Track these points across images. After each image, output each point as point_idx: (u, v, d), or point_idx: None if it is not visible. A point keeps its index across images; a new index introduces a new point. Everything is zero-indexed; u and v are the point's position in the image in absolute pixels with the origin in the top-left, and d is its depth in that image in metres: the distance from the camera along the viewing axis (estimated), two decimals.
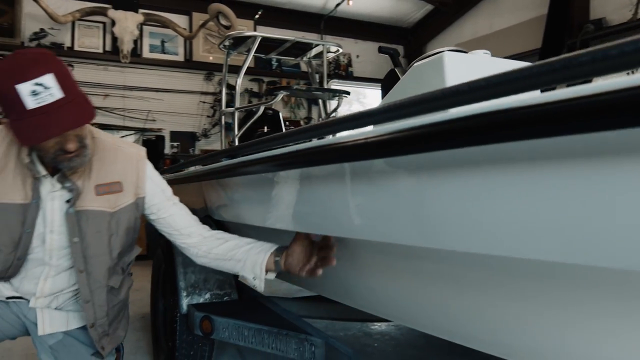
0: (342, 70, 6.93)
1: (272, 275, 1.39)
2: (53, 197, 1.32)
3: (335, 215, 1.05)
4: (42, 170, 1.29)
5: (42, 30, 5.33)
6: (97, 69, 5.63)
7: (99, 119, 5.46)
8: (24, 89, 1.06)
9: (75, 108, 1.13)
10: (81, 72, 5.45)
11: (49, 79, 1.08)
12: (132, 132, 5.67)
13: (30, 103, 1.07)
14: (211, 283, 1.99)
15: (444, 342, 1.12)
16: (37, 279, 1.37)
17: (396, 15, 7.00)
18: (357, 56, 7.08)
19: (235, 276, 2.15)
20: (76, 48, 5.54)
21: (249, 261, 1.37)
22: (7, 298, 1.40)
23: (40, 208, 1.31)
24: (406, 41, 7.30)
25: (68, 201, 1.31)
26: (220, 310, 1.82)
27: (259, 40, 3.17)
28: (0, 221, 1.27)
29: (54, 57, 1.15)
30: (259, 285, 1.37)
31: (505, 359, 0.97)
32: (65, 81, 1.12)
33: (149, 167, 1.46)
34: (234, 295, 2.01)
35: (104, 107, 5.52)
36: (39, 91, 1.07)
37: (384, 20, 7.08)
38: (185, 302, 1.92)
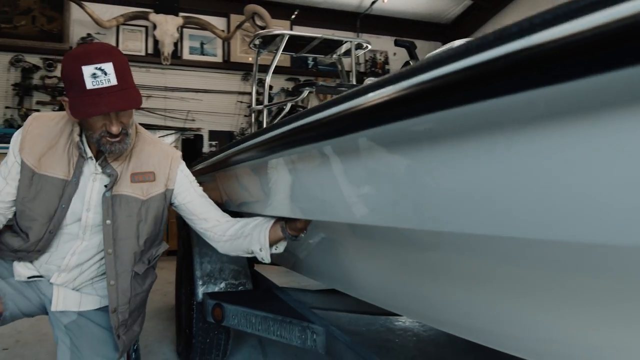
0: (379, 68, 6.91)
1: (282, 246, 1.44)
2: (94, 178, 1.43)
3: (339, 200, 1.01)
4: (89, 152, 1.41)
5: (88, 35, 5.60)
6: (140, 71, 5.86)
7: (142, 119, 5.69)
8: (87, 70, 1.21)
9: (125, 95, 1.26)
10: None
11: (108, 67, 1.23)
12: (173, 131, 5.87)
13: (89, 84, 1.22)
14: (226, 273, 2.05)
15: (465, 340, 1.05)
16: (66, 253, 1.47)
17: (434, 12, 6.91)
18: (394, 54, 7.03)
19: (251, 266, 2.21)
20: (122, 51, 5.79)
21: (256, 233, 1.44)
22: (28, 278, 1.50)
23: (78, 187, 1.42)
24: (444, 37, 7.18)
25: (106, 185, 1.42)
26: (232, 298, 1.87)
27: (287, 38, 3.21)
28: (41, 192, 1.39)
29: (118, 51, 1.30)
30: (265, 256, 1.43)
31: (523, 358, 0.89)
32: (122, 71, 1.25)
33: (182, 165, 1.59)
34: (248, 285, 2.06)
35: (146, 108, 5.74)
36: (99, 75, 1.22)
37: (421, 17, 7.00)
38: (200, 291, 1.98)
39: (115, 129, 1.31)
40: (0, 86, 5.30)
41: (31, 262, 1.49)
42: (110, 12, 5.61)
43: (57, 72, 5.37)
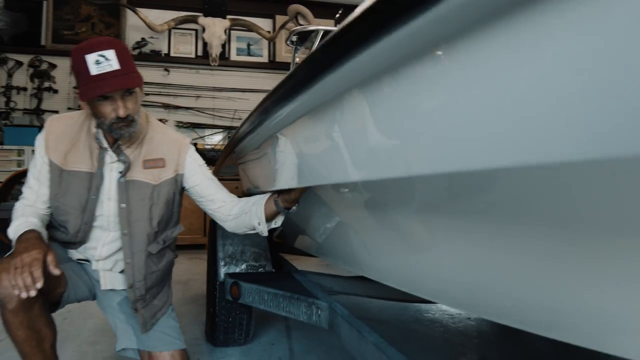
0: None
1: (280, 220, 1.52)
2: (112, 168, 1.56)
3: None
4: (104, 142, 1.54)
5: (142, 39, 5.91)
6: (190, 72, 6.11)
7: (192, 118, 5.94)
8: (90, 58, 1.34)
9: (126, 77, 1.38)
10: (176, 76, 5.97)
11: (110, 53, 1.35)
12: (220, 130, 6.08)
13: (94, 70, 1.35)
14: (247, 255, 2.13)
15: (493, 330, 0.91)
16: (97, 243, 1.61)
17: None
18: None
19: (272, 249, 2.28)
20: (172, 54, 6.07)
21: (254, 209, 1.54)
22: (78, 260, 1.66)
23: (103, 178, 1.55)
24: None
25: (121, 172, 1.55)
26: (249, 278, 1.95)
27: (322, 33, 3.28)
28: (71, 186, 1.54)
29: (118, 41, 1.43)
30: (263, 229, 1.54)
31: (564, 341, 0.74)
32: (123, 58, 1.38)
33: (191, 150, 1.69)
34: (268, 267, 2.14)
35: (195, 108, 5.98)
36: (101, 61, 1.35)
37: None
38: (222, 271, 2.08)
39: (122, 112, 1.42)
40: (63, 89, 5.70)
41: (77, 250, 1.65)
42: (162, 17, 5.90)
43: None
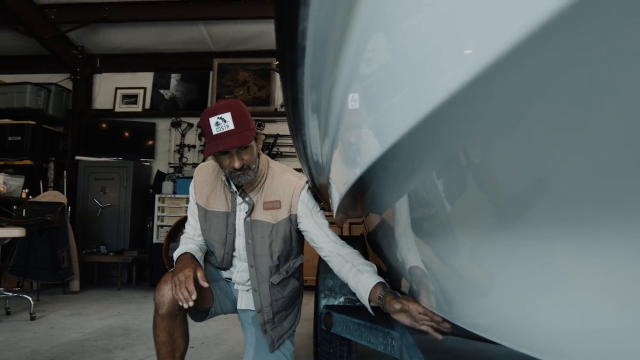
0: None
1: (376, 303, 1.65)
2: (240, 209, 1.87)
3: None
4: (233, 187, 1.85)
5: None
6: None
7: None
8: (212, 121, 1.61)
9: (239, 136, 1.63)
10: None
11: (227, 116, 1.61)
12: None
13: (214, 130, 1.61)
14: (346, 289, 2.24)
15: None
16: (235, 269, 1.94)
17: None
18: None
19: None
20: None
21: (358, 290, 1.69)
22: (226, 278, 2.00)
23: (236, 216, 1.87)
24: None
25: (247, 212, 1.84)
26: (340, 309, 2.06)
27: None
28: (212, 223, 1.89)
29: (239, 103, 1.69)
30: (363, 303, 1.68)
31: None
32: (238, 119, 1.62)
33: (304, 192, 1.87)
34: None
35: None
36: (220, 123, 1.61)
37: None
38: (322, 303, 2.22)
39: (237, 164, 1.67)
40: None
41: (224, 271, 1.98)
42: None
43: (266, 131, 6.39)
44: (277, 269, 1.87)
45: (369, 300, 1.64)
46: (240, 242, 1.87)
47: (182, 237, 1.95)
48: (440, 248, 1.00)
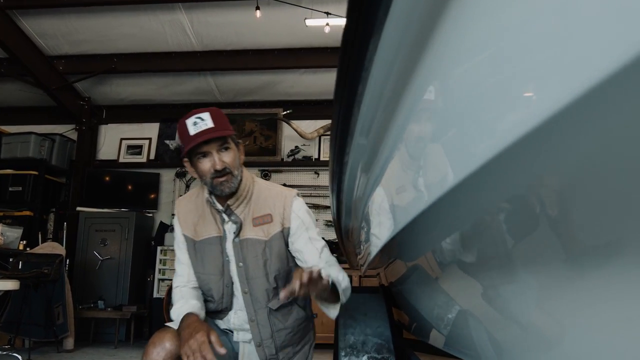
0: None
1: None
2: (228, 230, 1.68)
3: None
4: (217, 204, 1.67)
5: (296, 147, 6.48)
6: None
7: None
8: (189, 121, 1.53)
9: (218, 132, 1.53)
10: (325, 178, 6.33)
11: (205, 115, 1.54)
12: None
13: (192, 130, 1.52)
14: (369, 346, 2.03)
15: None
16: (232, 314, 1.71)
17: None
18: None
19: (395, 341, 2.14)
20: (322, 158, 6.49)
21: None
22: (222, 329, 1.76)
23: (227, 239, 1.67)
24: None
25: (234, 232, 1.65)
26: None
27: None
28: (207, 252, 1.69)
29: (216, 108, 1.60)
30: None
31: None
32: (217, 119, 1.54)
33: (297, 203, 1.71)
34: (391, 359, 2.00)
35: None
36: (198, 122, 1.52)
37: None
38: None
39: (219, 165, 1.54)
40: None
41: (222, 320, 1.75)
42: (313, 126, 6.44)
43: (272, 181, 6.26)
44: (274, 293, 1.65)
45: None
46: (233, 268, 1.67)
47: (174, 283, 1.73)
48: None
